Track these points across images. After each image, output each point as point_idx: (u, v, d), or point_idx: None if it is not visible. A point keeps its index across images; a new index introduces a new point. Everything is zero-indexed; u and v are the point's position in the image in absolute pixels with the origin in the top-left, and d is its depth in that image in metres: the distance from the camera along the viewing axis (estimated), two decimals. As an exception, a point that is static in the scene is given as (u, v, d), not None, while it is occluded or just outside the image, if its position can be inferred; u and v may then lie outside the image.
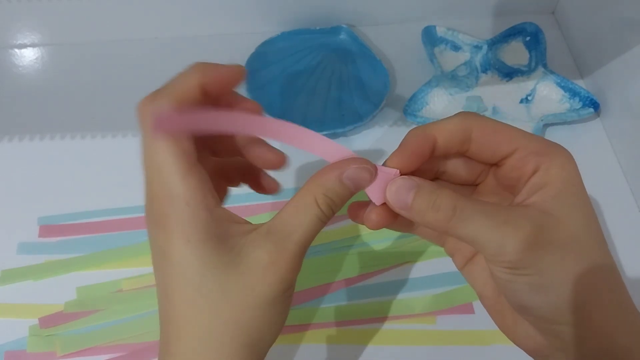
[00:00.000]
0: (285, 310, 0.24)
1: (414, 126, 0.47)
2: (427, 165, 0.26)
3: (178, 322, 0.24)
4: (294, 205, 0.24)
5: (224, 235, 0.23)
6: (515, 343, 0.26)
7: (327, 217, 0.24)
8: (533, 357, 0.25)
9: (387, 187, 0.24)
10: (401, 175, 0.25)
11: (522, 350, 0.25)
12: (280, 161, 0.27)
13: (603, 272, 0.23)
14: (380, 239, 0.41)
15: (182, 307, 0.23)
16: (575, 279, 0.22)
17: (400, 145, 0.25)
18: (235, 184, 0.29)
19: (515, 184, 0.24)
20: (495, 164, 0.25)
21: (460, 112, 0.25)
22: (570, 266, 0.22)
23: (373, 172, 0.25)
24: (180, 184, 0.23)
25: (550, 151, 0.24)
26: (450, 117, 0.25)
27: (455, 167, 0.27)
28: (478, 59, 0.50)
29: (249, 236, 0.24)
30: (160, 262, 0.24)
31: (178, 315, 0.23)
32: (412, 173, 0.25)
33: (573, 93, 0.47)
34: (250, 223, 0.25)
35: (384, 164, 0.25)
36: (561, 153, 0.24)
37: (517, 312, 0.25)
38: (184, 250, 0.23)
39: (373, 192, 0.25)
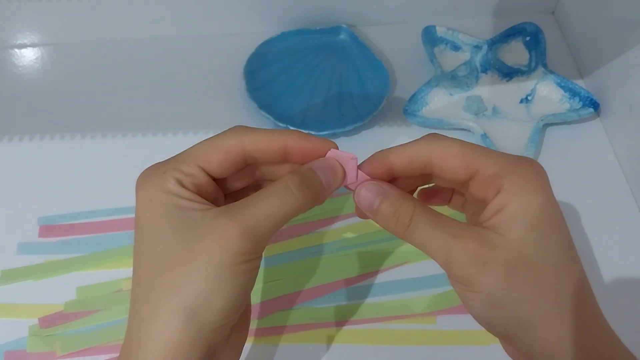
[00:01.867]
0: (236, 283, 0.23)
1: (414, 126, 0.47)
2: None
3: (135, 282, 0.24)
4: (263, 189, 0.25)
5: (189, 207, 0.23)
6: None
7: (296, 197, 0.24)
8: None
9: (357, 190, 0.26)
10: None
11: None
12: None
13: (555, 292, 0.23)
14: (380, 239, 0.41)
15: (137, 268, 0.24)
16: (523, 299, 0.23)
17: (362, 163, 0.27)
18: None
19: (483, 202, 0.25)
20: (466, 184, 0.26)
21: (427, 135, 0.26)
22: (516, 286, 0.23)
23: (340, 167, 0.26)
24: (175, 161, 0.25)
25: (510, 171, 0.24)
26: (414, 141, 0.26)
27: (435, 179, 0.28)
28: (478, 59, 0.50)
29: (211, 209, 0.24)
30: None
31: (135, 276, 0.24)
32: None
33: (573, 93, 0.47)
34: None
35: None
36: (522, 172, 0.24)
37: (481, 324, 0.26)
38: (146, 209, 0.24)
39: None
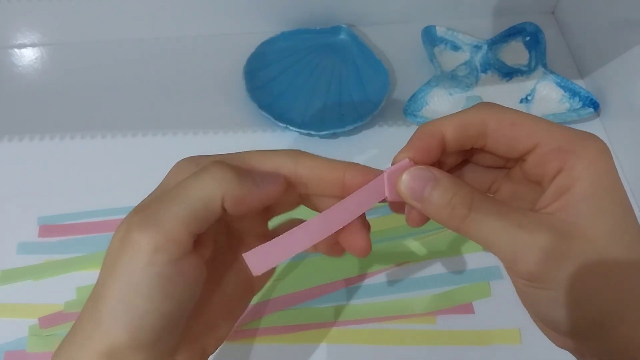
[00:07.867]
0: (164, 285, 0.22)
1: (414, 126, 0.47)
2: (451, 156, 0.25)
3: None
4: None
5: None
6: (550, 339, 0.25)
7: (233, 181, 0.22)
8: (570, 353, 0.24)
9: (402, 176, 0.23)
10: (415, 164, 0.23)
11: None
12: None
13: (633, 285, 0.21)
14: (380, 239, 0.41)
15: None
16: (598, 297, 0.21)
17: (409, 141, 0.24)
18: None
19: (540, 180, 0.23)
20: (521, 158, 0.23)
21: (478, 104, 0.23)
22: (593, 284, 0.20)
23: (282, 180, 0.24)
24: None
25: (575, 147, 0.21)
26: (465, 109, 0.23)
27: (479, 159, 0.25)
28: (478, 58, 0.50)
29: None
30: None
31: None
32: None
33: (573, 93, 0.47)
34: None
35: (393, 161, 0.24)
36: (589, 147, 0.21)
37: (542, 322, 0.23)
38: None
39: (388, 188, 0.24)
